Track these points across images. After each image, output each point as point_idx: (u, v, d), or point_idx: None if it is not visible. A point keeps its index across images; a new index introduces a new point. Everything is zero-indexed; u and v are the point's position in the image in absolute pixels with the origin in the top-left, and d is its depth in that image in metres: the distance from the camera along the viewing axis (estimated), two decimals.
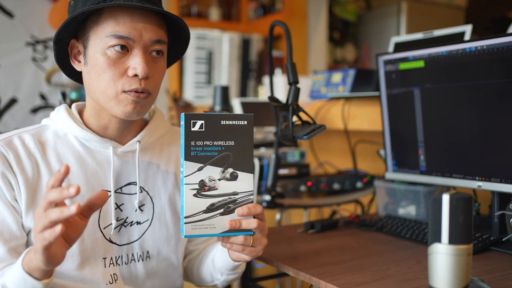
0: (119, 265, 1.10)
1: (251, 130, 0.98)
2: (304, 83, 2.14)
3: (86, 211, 0.86)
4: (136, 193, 1.12)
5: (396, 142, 1.57)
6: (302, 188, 1.76)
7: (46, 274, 0.88)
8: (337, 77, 1.98)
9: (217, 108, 1.91)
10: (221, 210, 0.97)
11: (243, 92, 3.28)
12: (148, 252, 1.13)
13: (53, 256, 0.83)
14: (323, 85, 2.04)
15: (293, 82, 1.34)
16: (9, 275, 0.92)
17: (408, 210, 1.55)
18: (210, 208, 0.96)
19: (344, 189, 1.84)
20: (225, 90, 1.93)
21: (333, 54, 4.00)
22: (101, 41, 1.01)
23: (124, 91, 1.02)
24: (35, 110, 2.76)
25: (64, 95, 2.55)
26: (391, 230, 1.43)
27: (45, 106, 2.79)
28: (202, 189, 0.96)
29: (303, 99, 2.00)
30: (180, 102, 2.27)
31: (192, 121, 0.95)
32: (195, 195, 0.96)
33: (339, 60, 4.03)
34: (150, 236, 1.13)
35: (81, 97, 2.47)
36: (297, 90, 1.34)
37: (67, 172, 0.82)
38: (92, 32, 1.02)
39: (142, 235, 1.13)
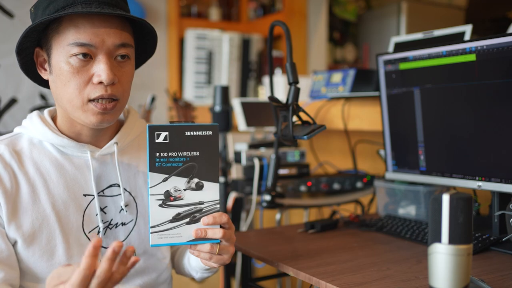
0: None
1: (216, 140, 0.99)
2: (304, 83, 2.14)
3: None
4: (119, 194, 1.11)
5: (396, 142, 1.57)
6: (302, 188, 1.76)
7: None
8: (337, 77, 1.98)
9: (217, 108, 1.91)
10: (187, 220, 0.99)
11: (243, 92, 3.28)
12: (134, 252, 1.13)
13: None
14: (323, 85, 2.04)
15: (293, 82, 1.34)
16: None
17: (408, 210, 1.54)
18: (176, 218, 0.98)
19: (344, 189, 1.84)
20: (225, 90, 1.93)
21: (333, 54, 4.00)
22: (64, 49, 0.98)
23: (90, 100, 1.00)
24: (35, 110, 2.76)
25: None
26: (391, 230, 1.43)
27: (45, 106, 2.78)
28: (168, 199, 0.98)
29: (303, 99, 2.00)
30: (180, 102, 2.27)
31: (156, 133, 0.96)
32: (160, 205, 0.98)
33: (339, 60, 4.03)
34: (136, 236, 1.13)
35: None
36: (297, 90, 1.34)
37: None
38: (54, 41, 1.00)
39: (128, 235, 1.12)
